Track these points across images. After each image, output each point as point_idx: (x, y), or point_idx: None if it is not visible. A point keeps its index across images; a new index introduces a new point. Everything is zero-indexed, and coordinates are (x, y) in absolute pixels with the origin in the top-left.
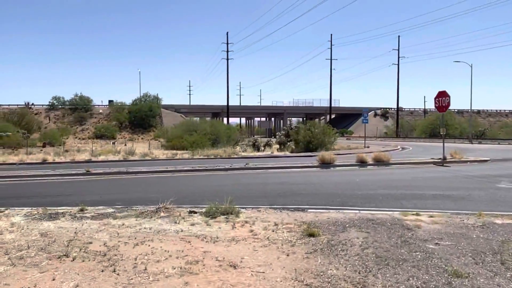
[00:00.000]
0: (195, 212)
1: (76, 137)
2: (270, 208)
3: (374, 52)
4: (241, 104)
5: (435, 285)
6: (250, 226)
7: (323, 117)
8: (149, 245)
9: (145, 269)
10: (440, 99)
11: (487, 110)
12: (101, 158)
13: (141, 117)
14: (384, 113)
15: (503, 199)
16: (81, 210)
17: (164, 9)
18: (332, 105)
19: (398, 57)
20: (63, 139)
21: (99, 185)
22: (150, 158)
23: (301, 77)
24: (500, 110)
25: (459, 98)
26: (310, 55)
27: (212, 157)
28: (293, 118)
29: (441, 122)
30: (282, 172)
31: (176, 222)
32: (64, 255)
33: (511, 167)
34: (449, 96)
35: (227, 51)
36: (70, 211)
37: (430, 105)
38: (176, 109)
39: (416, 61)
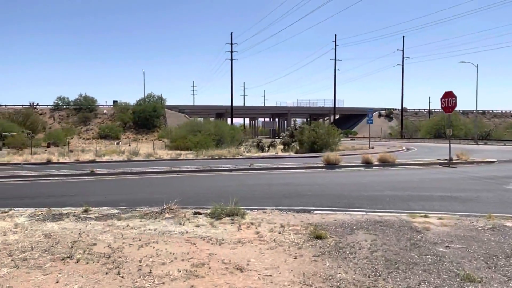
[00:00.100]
0: (200, 213)
1: (80, 137)
2: (275, 209)
3: (379, 53)
4: (245, 105)
5: None
6: (256, 228)
7: (327, 117)
8: (154, 247)
9: (150, 271)
10: (446, 99)
11: (492, 111)
12: (105, 158)
13: (145, 118)
14: (388, 114)
15: None
16: (85, 211)
17: (169, 10)
18: (336, 105)
19: (403, 58)
20: (68, 139)
21: (103, 186)
22: (154, 159)
23: (305, 78)
24: (506, 111)
25: (464, 99)
26: (314, 55)
27: (216, 157)
28: (297, 119)
29: (448, 122)
30: (287, 173)
31: (181, 224)
32: (68, 257)
33: None
34: (455, 97)
35: (231, 52)
36: (74, 212)
37: (435, 105)
38: (180, 109)
39: (420, 61)
